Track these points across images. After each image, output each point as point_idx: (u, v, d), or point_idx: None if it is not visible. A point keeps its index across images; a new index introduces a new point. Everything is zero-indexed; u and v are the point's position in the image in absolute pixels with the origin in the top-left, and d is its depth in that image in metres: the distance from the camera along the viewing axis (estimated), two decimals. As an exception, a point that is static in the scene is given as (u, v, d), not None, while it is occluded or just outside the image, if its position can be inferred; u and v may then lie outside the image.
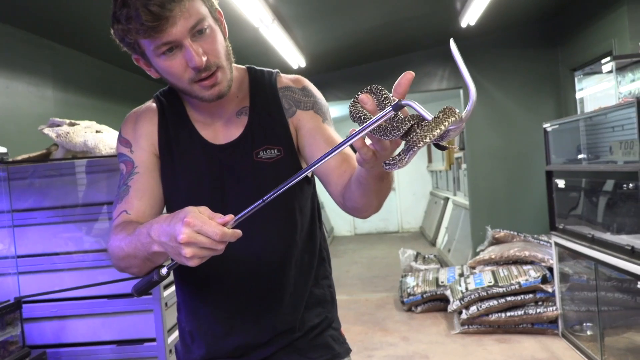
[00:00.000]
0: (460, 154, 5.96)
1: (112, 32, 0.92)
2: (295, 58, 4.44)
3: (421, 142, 0.61)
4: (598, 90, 4.27)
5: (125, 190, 1.00)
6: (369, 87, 0.70)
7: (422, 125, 0.61)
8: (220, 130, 1.04)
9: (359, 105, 0.68)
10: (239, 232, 0.75)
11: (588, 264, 2.99)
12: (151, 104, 1.09)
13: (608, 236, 2.65)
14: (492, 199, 4.87)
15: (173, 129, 1.04)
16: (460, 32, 4.44)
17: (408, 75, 0.64)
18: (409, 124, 0.64)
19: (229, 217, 0.74)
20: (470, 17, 3.86)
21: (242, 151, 1.01)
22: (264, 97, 1.05)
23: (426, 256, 5.25)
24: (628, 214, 2.58)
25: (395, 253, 5.84)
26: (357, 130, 0.66)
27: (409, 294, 4.26)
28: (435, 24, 4.27)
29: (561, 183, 3.35)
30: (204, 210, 0.75)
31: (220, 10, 0.98)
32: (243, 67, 1.09)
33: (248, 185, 1.01)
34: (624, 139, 2.55)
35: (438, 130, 0.59)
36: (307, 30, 4.00)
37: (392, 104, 0.63)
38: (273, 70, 1.09)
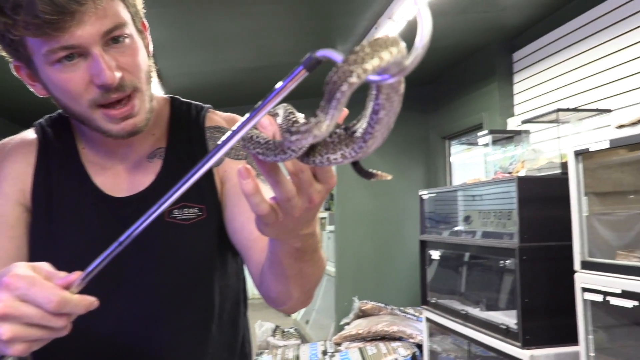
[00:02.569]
0: (325, 215, 5.73)
1: None
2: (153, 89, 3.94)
3: (345, 84, 0.34)
4: (465, 157, 4.44)
5: None
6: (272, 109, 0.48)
7: (344, 63, 0.35)
8: (124, 178, 0.88)
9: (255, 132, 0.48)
10: (91, 300, 0.54)
11: (458, 341, 2.95)
12: (29, 136, 0.89)
13: (482, 313, 2.62)
14: (359, 266, 4.64)
15: (56, 173, 0.87)
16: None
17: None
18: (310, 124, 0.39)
19: (75, 275, 0.54)
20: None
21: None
22: (187, 138, 0.89)
23: (285, 330, 4.93)
24: (504, 290, 2.58)
25: (249, 323, 5.34)
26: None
27: (265, 378, 3.87)
28: (311, 75, 4.18)
29: (435, 254, 3.24)
30: (40, 267, 0.55)
31: (146, 22, 0.81)
32: (164, 96, 0.94)
33: (156, 255, 0.85)
34: (498, 208, 2.62)
35: (377, 60, 0.34)
36: (173, 62, 3.64)
37: (303, 62, 0.39)
38: (204, 105, 0.94)
